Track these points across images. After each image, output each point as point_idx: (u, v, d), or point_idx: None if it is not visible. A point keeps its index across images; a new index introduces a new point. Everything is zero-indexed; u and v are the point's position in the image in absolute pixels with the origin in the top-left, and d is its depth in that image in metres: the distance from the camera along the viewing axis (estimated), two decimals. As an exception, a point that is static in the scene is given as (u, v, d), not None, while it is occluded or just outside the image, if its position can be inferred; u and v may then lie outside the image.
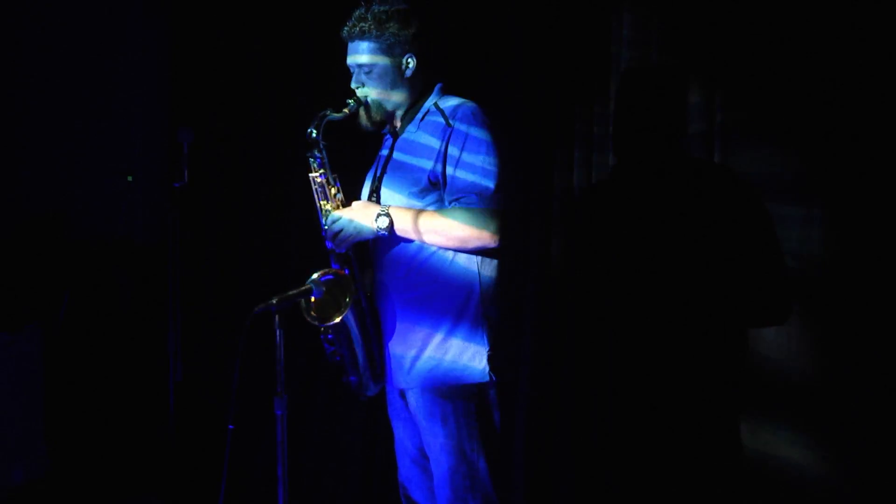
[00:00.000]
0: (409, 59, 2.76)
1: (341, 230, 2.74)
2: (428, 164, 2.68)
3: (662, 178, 3.17)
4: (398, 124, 2.83)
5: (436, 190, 2.69)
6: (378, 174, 2.85)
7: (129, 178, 4.35)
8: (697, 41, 3.00)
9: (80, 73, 4.59)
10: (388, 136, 2.89)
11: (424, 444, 2.79)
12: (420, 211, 2.69)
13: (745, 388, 3.03)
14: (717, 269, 3.05)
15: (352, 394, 2.85)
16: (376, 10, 2.74)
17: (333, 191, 2.81)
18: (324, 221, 2.80)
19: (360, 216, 2.73)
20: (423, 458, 2.85)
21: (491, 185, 2.63)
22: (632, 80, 3.21)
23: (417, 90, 2.80)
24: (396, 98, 2.79)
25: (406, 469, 2.92)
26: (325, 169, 2.79)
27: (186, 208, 3.52)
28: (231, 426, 2.65)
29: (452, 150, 2.66)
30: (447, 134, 2.67)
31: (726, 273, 3.04)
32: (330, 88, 3.75)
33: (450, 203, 2.67)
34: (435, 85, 2.83)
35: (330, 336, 2.78)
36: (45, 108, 4.53)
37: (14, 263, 4.27)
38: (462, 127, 2.67)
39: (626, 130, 3.24)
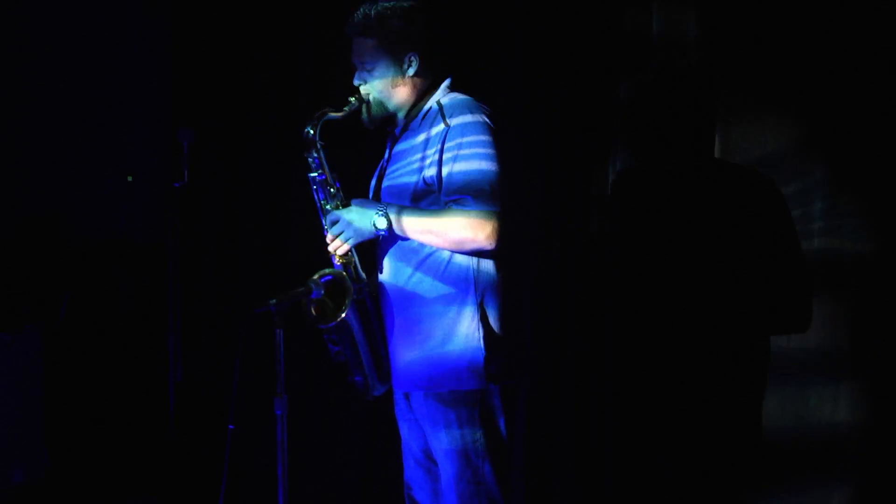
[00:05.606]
0: (412, 58, 2.71)
1: (341, 231, 2.72)
2: (425, 164, 2.64)
3: (685, 181, 3.15)
4: (401, 123, 2.80)
5: (433, 191, 2.65)
6: (380, 173, 2.83)
7: (129, 178, 4.34)
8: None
9: (80, 73, 4.58)
10: (391, 134, 2.86)
11: (431, 447, 2.77)
12: (418, 211, 2.65)
13: (762, 394, 3.04)
14: (738, 273, 3.05)
15: (358, 394, 2.84)
16: (379, 7, 2.69)
17: (333, 191, 2.78)
18: (324, 221, 2.78)
19: (359, 216, 2.70)
20: (426, 460, 2.84)
21: (486, 186, 2.56)
22: (657, 84, 3.20)
23: (421, 89, 2.74)
24: (398, 96, 2.74)
25: (410, 469, 2.90)
26: (323, 169, 2.77)
27: (186, 208, 3.52)
28: (231, 426, 2.64)
29: (449, 150, 2.60)
30: (444, 133, 2.62)
31: (747, 278, 3.03)
32: (331, 88, 3.76)
33: (446, 204, 2.62)
34: (443, 80, 2.77)
35: (333, 336, 2.76)
36: (46, 108, 4.53)
37: (14, 263, 4.26)
38: (459, 126, 2.61)
39: (649, 134, 3.22)
